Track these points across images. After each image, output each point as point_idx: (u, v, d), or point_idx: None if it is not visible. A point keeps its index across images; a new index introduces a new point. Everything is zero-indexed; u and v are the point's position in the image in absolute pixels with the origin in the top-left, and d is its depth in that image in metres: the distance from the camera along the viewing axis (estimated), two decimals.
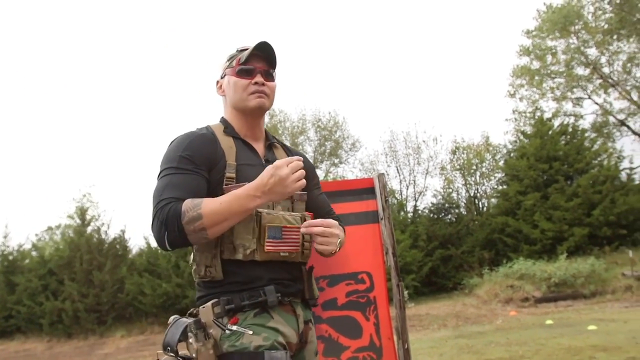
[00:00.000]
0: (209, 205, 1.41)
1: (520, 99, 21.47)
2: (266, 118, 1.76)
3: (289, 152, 1.81)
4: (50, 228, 26.09)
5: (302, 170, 1.48)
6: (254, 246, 1.50)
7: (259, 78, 1.62)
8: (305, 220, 1.61)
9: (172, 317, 1.52)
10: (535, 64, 21.12)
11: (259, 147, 1.70)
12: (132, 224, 26.37)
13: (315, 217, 1.73)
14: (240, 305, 1.48)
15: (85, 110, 39.67)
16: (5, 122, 38.28)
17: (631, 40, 18.80)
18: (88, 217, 17.97)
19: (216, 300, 1.49)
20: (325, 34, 39.39)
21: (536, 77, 20.97)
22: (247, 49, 1.65)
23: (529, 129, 18.09)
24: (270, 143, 1.74)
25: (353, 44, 39.95)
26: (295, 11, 40.47)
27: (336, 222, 1.62)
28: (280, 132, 23.18)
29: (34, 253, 19.06)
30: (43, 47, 41.47)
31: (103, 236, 17.31)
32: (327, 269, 3.29)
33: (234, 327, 1.46)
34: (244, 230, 1.50)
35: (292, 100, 41.77)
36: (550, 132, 16.49)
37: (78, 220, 18.04)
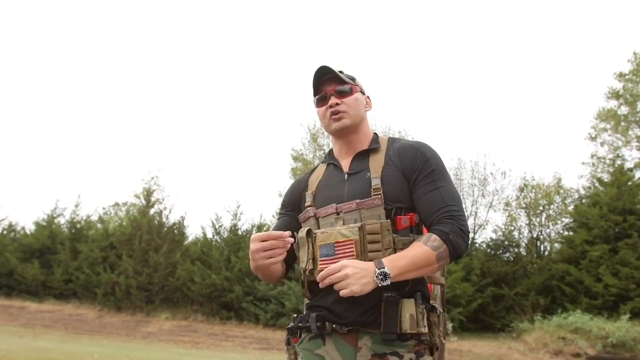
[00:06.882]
0: None
1: (602, 144, 20.31)
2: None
3: (392, 149, 1.65)
4: (117, 204, 27.51)
5: (273, 250, 1.46)
6: (310, 266, 1.54)
7: (332, 100, 1.67)
8: (364, 230, 1.48)
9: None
10: (623, 109, 19.94)
11: (347, 162, 1.69)
12: (192, 213, 27.40)
13: (423, 222, 1.57)
14: (297, 326, 1.60)
15: (173, 100, 41.59)
16: (91, 101, 40.81)
17: None
18: (153, 199, 18.80)
19: (295, 316, 1.66)
20: (398, 53, 39.22)
21: (622, 123, 19.79)
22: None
23: (606, 177, 17.08)
24: (366, 150, 1.67)
25: (429, 65, 39.51)
26: (375, 28, 40.58)
27: (345, 263, 1.39)
28: None
29: (99, 225, 20.20)
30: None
31: (164, 219, 17.99)
32: None
33: (296, 346, 1.61)
34: (303, 254, 1.59)
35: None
36: (629, 183, 15.51)
37: (143, 201, 18.94)
